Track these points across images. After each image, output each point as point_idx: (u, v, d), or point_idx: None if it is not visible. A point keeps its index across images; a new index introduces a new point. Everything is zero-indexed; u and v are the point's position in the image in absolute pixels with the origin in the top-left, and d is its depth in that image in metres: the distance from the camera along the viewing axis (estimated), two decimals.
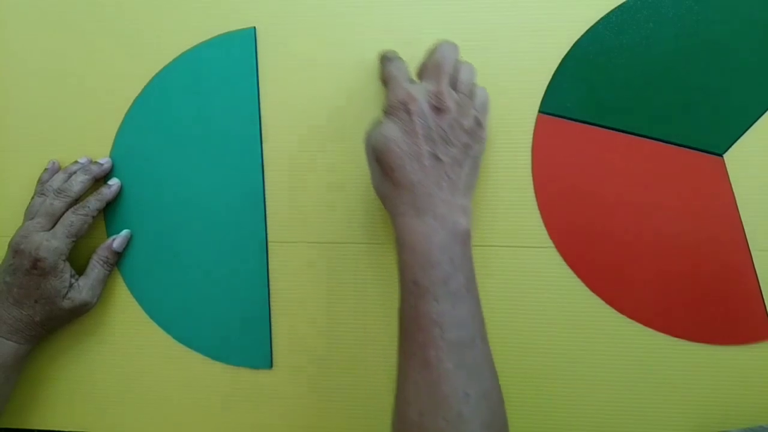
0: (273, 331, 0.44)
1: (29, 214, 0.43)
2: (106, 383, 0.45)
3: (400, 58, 0.40)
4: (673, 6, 0.41)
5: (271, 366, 0.44)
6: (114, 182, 0.45)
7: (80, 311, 0.43)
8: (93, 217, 0.43)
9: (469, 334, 0.33)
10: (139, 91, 0.45)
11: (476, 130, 0.36)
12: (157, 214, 0.45)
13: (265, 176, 0.44)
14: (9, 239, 0.41)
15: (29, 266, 0.40)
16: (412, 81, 0.38)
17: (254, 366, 0.44)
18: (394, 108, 0.35)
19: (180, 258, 0.45)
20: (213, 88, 0.44)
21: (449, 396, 0.31)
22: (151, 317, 0.45)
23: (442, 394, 0.31)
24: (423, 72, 0.38)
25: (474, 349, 0.33)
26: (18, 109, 0.47)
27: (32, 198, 0.44)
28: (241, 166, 0.44)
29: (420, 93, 0.35)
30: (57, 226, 0.42)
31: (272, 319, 0.44)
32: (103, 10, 0.46)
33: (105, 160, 0.45)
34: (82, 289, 0.42)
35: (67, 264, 0.42)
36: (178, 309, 0.45)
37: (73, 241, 0.42)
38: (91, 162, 0.45)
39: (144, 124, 0.45)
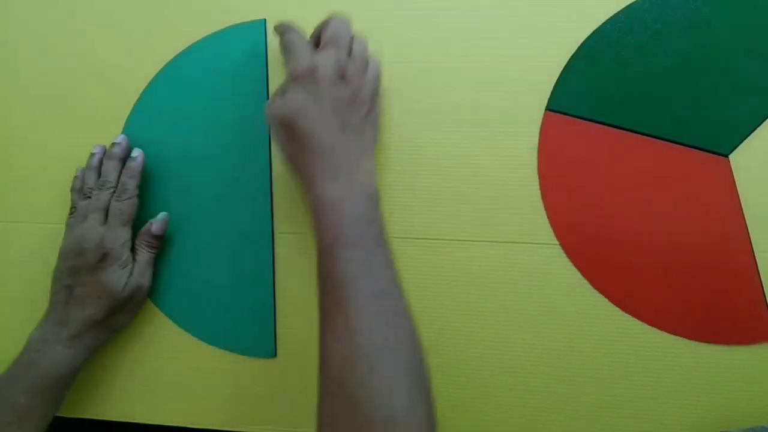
0: (277, 321, 0.44)
1: (79, 218, 0.42)
2: (112, 371, 0.46)
3: (297, 29, 0.40)
4: (681, 7, 0.41)
5: (275, 355, 0.44)
6: (137, 153, 0.44)
7: (137, 295, 0.43)
8: (137, 195, 0.43)
9: (385, 285, 0.34)
10: (149, 80, 0.46)
11: (374, 97, 0.39)
12: (164, 204, 0.45)
13: (273, 167, 0.44)
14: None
15: (95, 261, 0.40)
16: (313, 50, 0.38)
17: (258, 355, 0.44)
18: (300, 76, 0.36)
19: (186, 247, 0.45)
20: (222, 79, 0.45)
21: (368, 344, 0.32)
22: (157, 306, 0.45)
23: (361, 343, 0.32)
24: (321, 43, 0.38)
25: (390, 298, 0.34)
26: (30, 98, 0.47)
27: (72, 208, 0.43)
28: (249, 157, 0.44)
29: (325, 61, 0.36)
30: (109, 219, 0.42)
31: (277, 309, 0.44)
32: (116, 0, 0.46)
33: (121, 138, 0.44)
34: (135, 273, 0.43)
35: (130, 252, 0.42)
36: (183, 297, 0.45)
37: (131, 227, 0.42)
38: (106, 148, 0.45)
39: (153, 113, 0.46)
